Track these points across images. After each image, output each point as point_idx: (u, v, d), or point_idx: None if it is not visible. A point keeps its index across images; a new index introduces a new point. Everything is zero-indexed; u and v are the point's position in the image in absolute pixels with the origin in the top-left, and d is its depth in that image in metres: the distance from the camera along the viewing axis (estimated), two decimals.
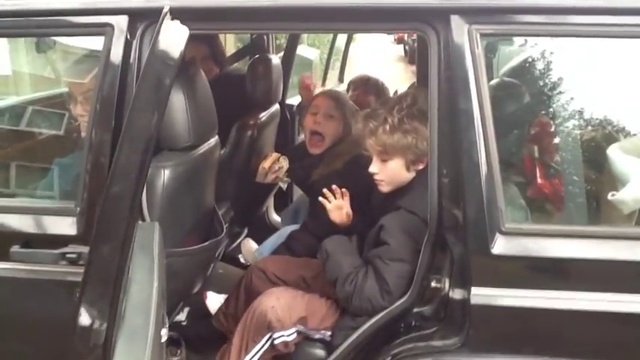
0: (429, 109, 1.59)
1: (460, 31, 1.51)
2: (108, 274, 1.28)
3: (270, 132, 3.09)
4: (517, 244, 1.51)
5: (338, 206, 2.08)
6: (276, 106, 3.15)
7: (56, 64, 2.26)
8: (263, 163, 2.91)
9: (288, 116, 3.51)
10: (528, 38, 1.56)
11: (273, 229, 3.40)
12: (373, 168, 1.88)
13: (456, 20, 1.52)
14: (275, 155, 3.01)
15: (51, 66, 2.40)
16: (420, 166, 1.88)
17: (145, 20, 1.68)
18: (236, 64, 3.51)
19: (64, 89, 2.23)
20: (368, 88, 3.16)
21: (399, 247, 1.76)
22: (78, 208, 1.70)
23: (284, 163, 3.05)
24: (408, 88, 2.49)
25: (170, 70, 1.24)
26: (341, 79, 4.53)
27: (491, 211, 1.51)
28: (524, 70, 1.60)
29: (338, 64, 4.81)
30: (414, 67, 11.51)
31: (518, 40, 1.58)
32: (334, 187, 2.10)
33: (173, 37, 1.21)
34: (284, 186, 3.20)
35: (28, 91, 2.65)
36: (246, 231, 3.10)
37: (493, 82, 1.54)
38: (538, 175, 1.64)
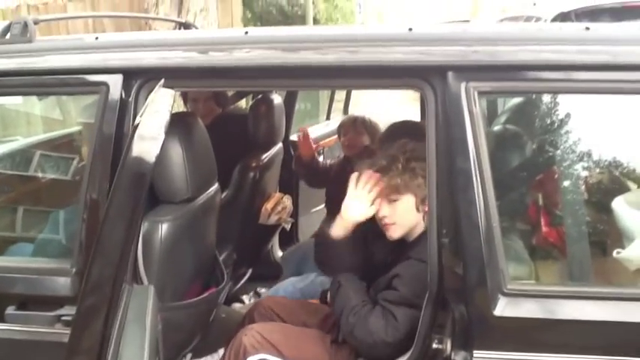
0: (427, 168, 1.56)
1: (457, 88, 1.49)
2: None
3: (273, 172, 3.08)
4: (520, 306, 1.47)
5: (359, 197, 1.85)
6: (279, 145, 3.14)
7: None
8: (266, 205, 2.90)
9: (292, 153, 3.49)
10: (526, 95, 1.53)
11: (278, 266, 3.37)
12: (383, 211, 1.85)
13: (453, 77, 1.49)
14: (278, 195, 3.00)
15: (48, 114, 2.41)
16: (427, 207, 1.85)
17: (139, 78, 1.68)
18: (238, 103, 3.51)
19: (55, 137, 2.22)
20: (358, 128, 3.11)
21: (409, 295, 1.75)
22: (73, 269, 1.68)
23: (287, 202, 3.04)
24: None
25: (143, 180, 1.21)
26: (346, 112, 4.50)
27: (493, 272, 1.47)
28: (523, 126, 1.57)
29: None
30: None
31: (516, 97, 1.55)
32: (369, 171, 1.87)
33: (144, 147, 1.17)
34: (287, 227, 3.17)
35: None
36: (250, 271, 3.07)
37: (491, 139, 1.51)
38: (541, 230, 1.60)
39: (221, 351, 2.48)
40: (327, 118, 4.44)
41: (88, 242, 1.66)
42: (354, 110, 4.54)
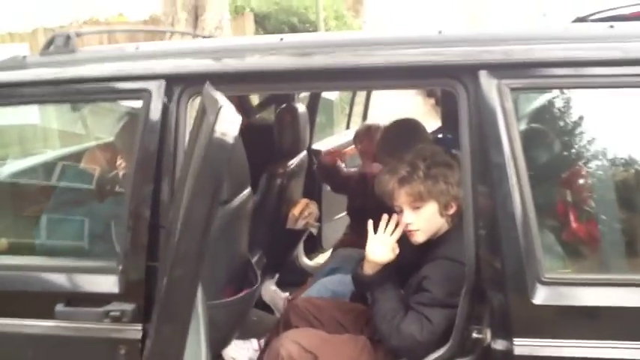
0: (462, 164, 1.61)
1: (489, 86, 1.55)
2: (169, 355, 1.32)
3: (298, 179, 3.14)
4: (558, 294, 1.52)
5: (383, 242, 1.89)
6: (304, 153, 3.20)
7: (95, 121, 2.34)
8: (293, 210, 2.95)
9: (315, 161, 3.55)
10: (557, 90, 1.58)
11: (304, 273, 3.41)
12: (407, 218, 1.89)
13: (484, 76, 1.55)
14: (304, 201, 3.06)
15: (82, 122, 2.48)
16: (451, 211, 1.90)
17: (181, 84, 1.75)
18: (262, 113, 3.59)
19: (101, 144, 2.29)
20: (372, 135, 3.14)
21: (442, 295, 1.78)
22: (120, 267, 1.75)
23: (313, 208, 3.09)
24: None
25: (225, 156, 1.29)
26: (365, 116, 4.57)
27: (530, 261, 1.52)
28: (555, 120, 1.62)
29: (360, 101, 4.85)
30: (432, 100, 11.58)
31: (547, 93, 1.60)
32: (386, 216, 1.90)
33: (228, 124, 1.25)
34: (314, 231, 3.23)
35: (60, 146, 2.75)
36: (276, 276, 3.12)
37: (525, 134, 1.56)
38: (573, 220, 1.64)
39: (253, 340, 2.53)
40: (347, 127, 4.50)
41: (133, 244, 1.74)
42: (373, 118, 4.61)
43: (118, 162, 2.02)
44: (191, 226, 1.30)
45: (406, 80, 1.72)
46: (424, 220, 1.90)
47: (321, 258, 3.62)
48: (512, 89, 1.54)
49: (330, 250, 3.33)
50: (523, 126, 1.58)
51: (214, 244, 1.98)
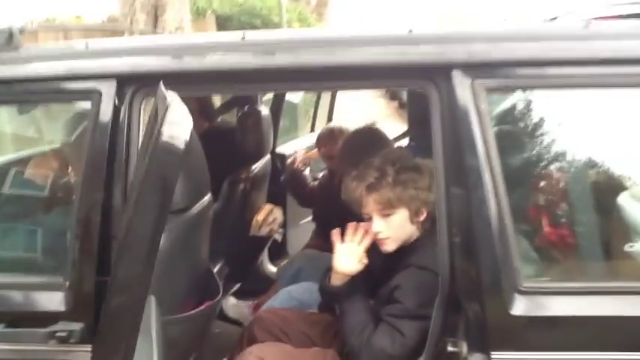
0: (435, 169, 1.53)
1: (463, 86, 1.47)
2: None
3: (262, 184, 3.03)
4: (537, 304, 1.44)
5: (350, 252, 1.81)
6: (267, 157, 3.09)
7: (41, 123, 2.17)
8: (257, 216, 2.84)
9: (279, 166, 3.45)
10: (534, 91, 1.52)
11: (268, 280, 3.30)
12: (377, 226, 1.80)
13: (458, 75, 1.48)
14: (268, 207, 2.95)
15: (35, 126, 2.32)
16: (422, 217, 1.83)
17: (133, 85, 1.63)
18: (224, 116, 3.46)
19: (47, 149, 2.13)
20: (335, 137, 3.04)
21: (414, 306, 1.70)
22: (67, 282, 1.60)
23: (277, 214, 2.99)
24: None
25: (173, 161, 1.14)
26: (330, 119, 4.48)
27: (507, 270, 1.44)
28: (533, 122, 1.55)
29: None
30: (395, 102, 11.59)
31: (524, 93, 1.53)
32: (353, 224, 1.82)
33: (176, 126, 1.10)
34: (279, 237, 3.12)
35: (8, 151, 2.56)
36: (237, 285, 3.00)
37: (500, 136, 1.48)
38: (548, 226, 1.58)
39: None
40: (312, 129, 4.41)
41: (82, 257, 1.59)
42: (337, 121, 4.53)
43: (70, 169, 1.87)
44: (133, 245, 1.16)
45: (375, 80, 1.64)
46: (394, 228, 1.81)
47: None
48: (488, 90, 1.47)
49: None
50: (499, 128, 1.50)
51: (171, 255, 1.86)
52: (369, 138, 2.53)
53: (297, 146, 3.67)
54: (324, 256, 2.65)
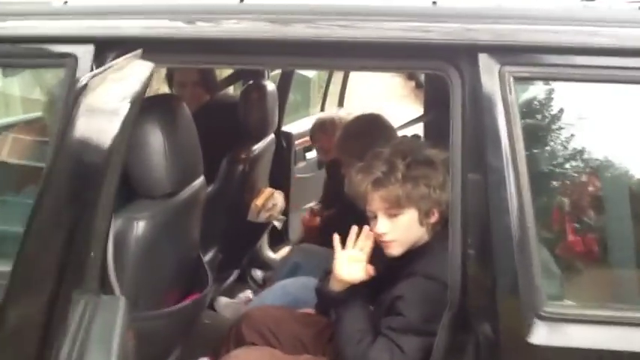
0: (451, 166, 1.32)
1: (490, 73, 1.26)
2: None
3: (264, 165, 2.83)
4: (559, 332, 1.25)
5: (354, 259, 1.61)
6: (271, 136, 2.89)
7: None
8: (256, 201, 2.66)
9: (284, 145, 3.24)
10: (573, 83, 1.30)
11: (267, 267, 3.13)
12: (382, 227, 1.60)
13: (485, 60, 1.26)
14: (269, 191, 2.76)
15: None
16: (433, 219, 1.63)
17: (114, 50, 1.42)
18: (228, 89, 3.26)
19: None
20: (328, 131, 2.83)
21: (417, 320, 1.52)
22: None
23: (279, 199, 2.80)
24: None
25: (94, 174, 0.84)
26: (341, 103, 4.25)
27: (528, 290, 1.25)
28: (567, 118, 1.34)
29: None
30: (412, 83, 11.23)
31: (559, 85, 1.31)
32: (356, 228, 1.63)
33: (96, 125, 0.80)
34: (279, 225, 2.93)
35: None
36: (236, 273, 2.83)
37: (529, 133, 1.28)
38: (578, 242, 1.37)
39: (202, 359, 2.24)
40: (322, 109, 4.18)
41: None
42: (350, 103, 4.31)
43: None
44: (29, 282, 0.89)
45: (388, 61, 1.42)
46: (401, 230, 1.61)
47: (287, 251, 3.33)
48: (518, 78, 1.26)
49: None
50: (527, 123, 1.29)
51: (155, 243, 1.68)
52: (371, 126, 2.31)
53: (305, 127, 3.45)
54: (323, 252, 2.47)
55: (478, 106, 1.27)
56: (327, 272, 1.71)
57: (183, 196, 1.82)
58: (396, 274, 1.65)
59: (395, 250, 1.62)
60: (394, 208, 1.59)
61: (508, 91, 1.25)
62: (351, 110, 3.38)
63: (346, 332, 1.61)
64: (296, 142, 3.40)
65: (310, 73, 6.37)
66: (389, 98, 9.77)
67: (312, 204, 3.14)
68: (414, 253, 1.65)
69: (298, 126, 3.58)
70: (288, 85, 3.34)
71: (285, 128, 3.37)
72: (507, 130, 1.24)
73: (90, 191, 0.76)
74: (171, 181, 1.70)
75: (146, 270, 1.68)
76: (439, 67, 1.34)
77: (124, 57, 1.10)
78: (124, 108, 0.74)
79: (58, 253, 0.81)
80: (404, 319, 1.53)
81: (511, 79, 1.25)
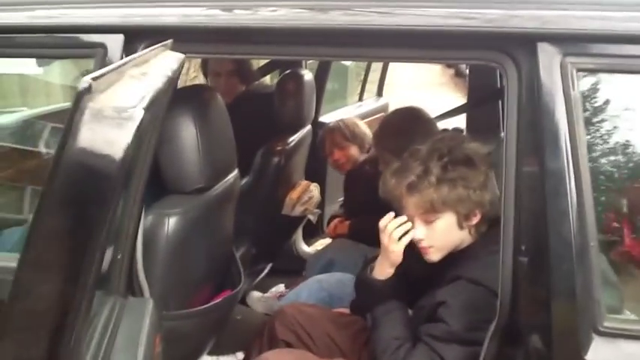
0: (504, 166, 1.22)
1: (550, 64, 1.14)
2: None
3: (300, 158, 2.74)
4: (620, 350, 1.14)
5: (400, 227, 1.51)
6: (308, 128, 2.80)
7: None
8: (291, 194, 2.58)
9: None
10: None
11: (300, 261, 3.05)
12: (419, 233, 1.51)
13: (545, 50, 1.15)
14: (305, 184, 2.68)
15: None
16: (474, 220, 1.52)
17: (145, 40, 1.35)
18: (263, 79, 3.18)
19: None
20: (338, 142, 2.71)
21: (461, 329, 1.42)
22: None
23: (315, 192, 2.72)
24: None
25: (102, 188, 0.70)
26: (380, 92, 4.13)
27: (586, 304, 1.14)
28: (633, 116, 1.21)
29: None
30: (451, 70, 10.97)
31: (628, 78, 1.18)
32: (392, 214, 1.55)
33: (102, 132, 0.67)
34: (314, 219, 2.84)
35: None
36: (269, 267, 2.76)
37: (593, 132, 1.16)
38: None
39: (239, 354, 2.19)
40: (360, 99, 4.07)
41: None
42: (390, 93, 4.19)
43: None
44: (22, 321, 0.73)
45: (437, 51, 1.31)
46: (439, 235, 1.51)
47: (321, 244, 3.25)
48: (582, 71, 1.14)
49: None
50: (592, 121, 1.17)
51: (186, 240, 1.63)
52: (410, 121, 2.18)
53: (344, 117, 3.35)
54: (359, 248, 2.38)
55: (536, 101, 1.16)
56: (368, 261, 1.64)
57: (217, 190, 1.76)
58: (437, 277, 1.55)
59: (434, 255, 1.53)
60: (429, 213, 1.49)
61: (570, 84, 1.13)
62: (356, 114, 3.28)
63: (384, 339, 1.53)
64: None
65: (347, 61, 6.23)
66: (427, 86, 9.57)
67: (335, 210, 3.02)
68: (456, 256, 1.55)
69: (335, 116, 3.48)
70: (326, 74, 3.24)
71: (322, 119, 3.28)
72: (569, 129, 1.12)
73: (98, 211, 0.67)
74: (204, 176, 1.64)
75: (177, 268, 1.63)
76: (492, 57, 1.23)
77: (150, 48, 1.03)
78: (141, 111, 0.65)
79: (53, 306, 0.70)
80: (446, 326, 1.43)
81: (574, 71, 1.13)
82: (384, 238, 1.53)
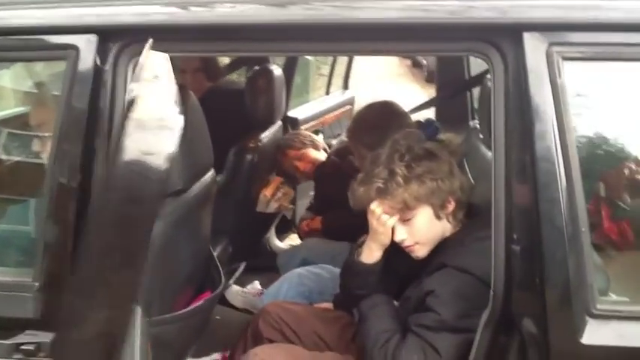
0: (494, 158, 1.22)
1: (536, 53, 1.15)
2: None
3: (272, 154, 2.71)
4: (614, 332, 1.16)
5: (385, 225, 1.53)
6: (279, 123, 2.77)
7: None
8: (264, 191, 2.55)
9: (291, 131, 3.13)
10: (629, 63, 1.19)
11: (274, 257, 3.03)
12: (399, 235, 1.52)
13: (530, 39, 1.15)
14: (278, 180, 2.66)
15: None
16: (450, 208, 1.54)
17: (119, 40, 1.31)
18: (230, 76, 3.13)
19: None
20: (290, 154, 2.75)
21: (451, 317, 1.42)
22: (36, 284, 1.32)
23: (288, 188, 2.69)
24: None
25: (152, 198, 0.75)
26: (345, 86, 4.12)
27: (579, 288, 1.16)
28: (625, 103, 1.23)
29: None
30: (408, 61, 11.02)
31: (615, 66, 1.20)
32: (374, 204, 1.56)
33: (149, 140, 0.73)
34: (289, 214, 2.82)
35: None
36: (243, 265, 2.73)
37: (580, 119, 1.17)
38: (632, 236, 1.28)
39: (215, 355, 2.16)
40: (327, 92, 4.05)
41: (52, 251, 1.31)
42: (354, 86, 4.18)
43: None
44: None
45: (418, 43, 1.31)
46: (420, 231, 1.52)
47: (295, 239, 3.23)
48: (569, 59, 1.15)
49: None
50: (580, 109, 1.18)
51: (167, 244, 1.58)
52: (384, 115, 2.18)
53: (310, 111, 3.34)
54: (331, 246, 2.37)
55: (523, 91, 1.16)
56: (356, 246, 1.65)
57: (195, 191, 1.71)
58: (422, 266, 1.56)
59: (421, 252, 1.54)
60: (405, 211, 1.50)
61: (557, 73, 1.14)
62: (324, 108, 3.27)
63: (372, 332, 1.52)
64: (302, 128, 3.29)
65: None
66: (386, 78, 9.61)
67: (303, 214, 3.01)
68: (440, 245, 1.56)
69: (302, 111, 3.46)
70: (294, 68, 3.21)
71: (290, 113, 3.25)
72: (556, 117, 1.14)
73: (149, 219, 0.66)
74: (183, 177, 1.59)
75: (159, 272, 1.58)
76: (477, 48, 1.23)
77: (142, 54, 0.99)
78: (175, 115, 0.64)
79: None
80: (437, 316, 1.43)
81: (560, 61, 1.14)
82: (373, 220, 1.54)
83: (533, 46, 1.15)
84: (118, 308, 0.91)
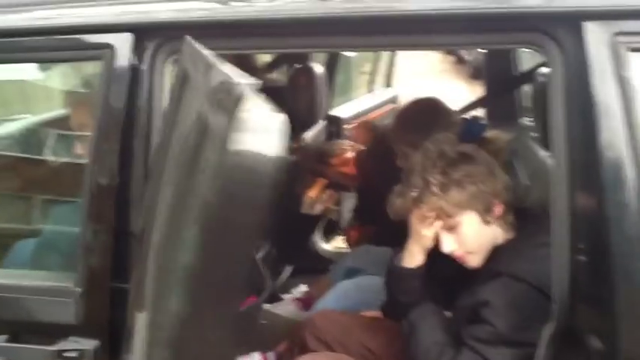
0: (555, 159, 1.13)
1: (599, 44, 1.06)
2: None
3: (315, 154, 2.66)
4: None
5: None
6: (321, 123, 2.72)
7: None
8: (309, 192, 2.50)
9: (334, 130, 3.06)
10: None
11: (323, 260, 2.97)
12: (447, 246, 1.44)
13: (591, 29, 1.06)
14: (322, 181, 2.60)
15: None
16: (497, 213, 1.45)
17: (155, 39, 1.28)
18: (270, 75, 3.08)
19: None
20: (323, 159, 2.67)
21: (508, 330, 1.33)
22: (78, 289, 1.30)
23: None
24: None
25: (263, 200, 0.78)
26: (388, 84, 4.03)
27: None
28: None
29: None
30: (452, 57, 10.76)
31: None
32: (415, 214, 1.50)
33: (260, 140, 0.74)
34: (334, 216, 2.77)
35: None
36: (290, 269, 2.69)
37: None
38: None
39: (256, 355, 2.11)
40: (369, 91, 3.97)
41: (95, 257, 1.29)
42: (396, 83, 4.08)
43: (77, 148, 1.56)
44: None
45: (469, 36, 1.22)
46: (470, 239, 1.43)
47: (341, 241, 3.16)
48: (634, 50, 1.05)
49: None
50: None
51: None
52: (430, 114, 2.07)
53: (353, 110, 3.27)
54: (382, 252, 2.28)
55: (585, 86, 1.07)
56: (396, 252, 1.57)
57: None
58: (474, 274, 1.47)
59: (474, 261, 1.45)
60: (446, 219, 1.42)
61: (623, 66, 1.04)
62: (368, 106, 3.15)
63: (423, 345, 1.44)
64: (345, 127, 3.22)
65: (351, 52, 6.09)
66: (429, 74, 9.42)
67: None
68: (493, 251, 1.47)
69: (345, 109, 3.39)
70: (335, 65, 3.14)
71: (333, 112, 3.19)
72: (624, 113, 1.04)
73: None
74: None
75: None
76: (532, 40, 1.14)
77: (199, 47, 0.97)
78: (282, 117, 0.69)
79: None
80: (492, 328, 1.34)
81: (626, 52, 1.04)
82: (416, 221, 1.47)
83: (595, 37, 1.06)
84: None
